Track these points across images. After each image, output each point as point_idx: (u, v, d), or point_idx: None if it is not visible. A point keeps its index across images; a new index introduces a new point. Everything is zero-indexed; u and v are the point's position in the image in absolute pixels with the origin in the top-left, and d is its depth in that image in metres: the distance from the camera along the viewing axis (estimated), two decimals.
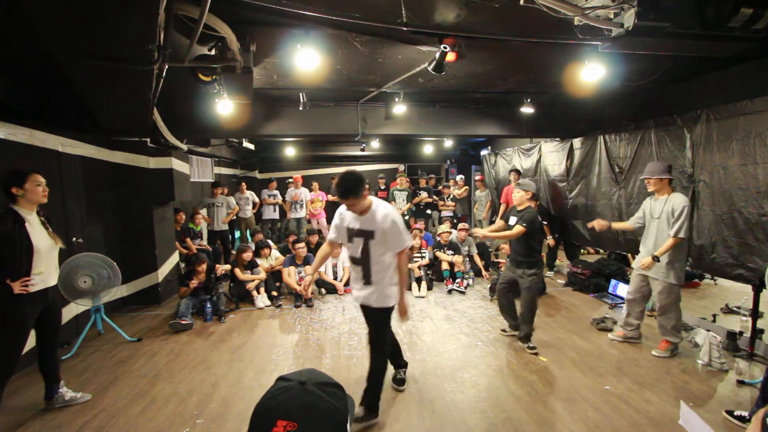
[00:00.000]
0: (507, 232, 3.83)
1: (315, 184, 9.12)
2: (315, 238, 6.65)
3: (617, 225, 4.21)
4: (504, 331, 4.28)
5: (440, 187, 9.33)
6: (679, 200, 3.58)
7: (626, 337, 4.03)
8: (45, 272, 2.75)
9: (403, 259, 2.70)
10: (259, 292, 5.35)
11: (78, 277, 3.79)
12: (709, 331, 3.80)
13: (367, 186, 2.62)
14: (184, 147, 5.72)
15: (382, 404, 2.96)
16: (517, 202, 3.94)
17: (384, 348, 2.84)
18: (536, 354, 3.76)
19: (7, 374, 2.63)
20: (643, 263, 3.69)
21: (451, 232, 6.43)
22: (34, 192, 2.69)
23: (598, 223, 4.08)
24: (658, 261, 3.60)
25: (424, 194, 8.79)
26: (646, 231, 3.85)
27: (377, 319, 2.76)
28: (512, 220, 3.90)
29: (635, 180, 5.13)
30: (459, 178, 9.18)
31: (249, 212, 8.20)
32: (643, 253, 3.85)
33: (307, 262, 5.62)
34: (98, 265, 3.91)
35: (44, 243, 2.73)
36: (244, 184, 8.30)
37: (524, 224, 3.72)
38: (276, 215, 8.69)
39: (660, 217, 3.65)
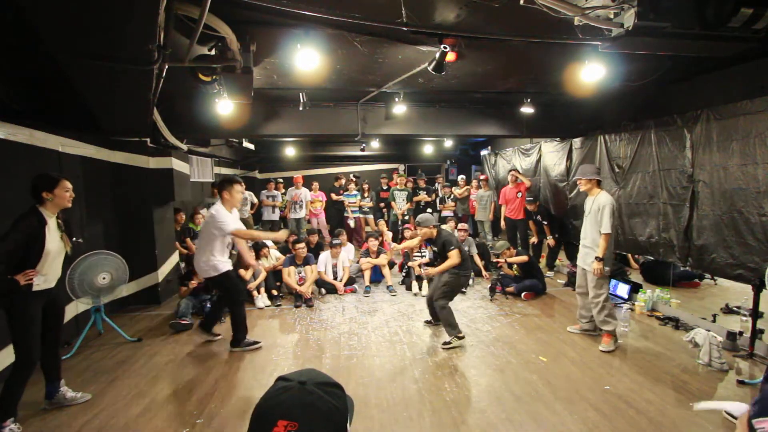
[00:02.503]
0: (449, 262, 4.00)
1: (315, 184, 9.12)
2: (315, 238, 6.66)
3: None
4: (429, 322, 4.59)
5: (441, 187, 9.32)
6: (603, 199, 3.87)
7: (582, 329, 4.22)
8: (50, 274, 2.80)
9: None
10: (259, 292, 5.35)
11: (98, 274, 3.91)
12: (709, 331, 3.79)
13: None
14: (184, 147, 5.71)
15: (383, 404, 2.97)
16: (428, 237, 4.17)
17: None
18: (449, 348, 3.94)
19: (31, 365, 2.69)
20: (593, 270, 3.83)
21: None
22: (63, 197, 2.77)
23: None
24: (601, 260, 3.80)
25: (423, 194, 8.79)
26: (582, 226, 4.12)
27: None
28: (440, 248, 4.12)
29: (635, 180, 5.13)
30: (460, 178, 9.19)
31: (246, 212, 8.17)
32: (580, 247, 4.10)
33: (307, 262, 5.62)
34: (116, 262, 4.06)
35: (55, 246, 2.78)
36: (242, 183, 8.25)
37: (453, 247, 4.00)
38: (275, 216, 8.61)
39: (589, 214, 3.98)
